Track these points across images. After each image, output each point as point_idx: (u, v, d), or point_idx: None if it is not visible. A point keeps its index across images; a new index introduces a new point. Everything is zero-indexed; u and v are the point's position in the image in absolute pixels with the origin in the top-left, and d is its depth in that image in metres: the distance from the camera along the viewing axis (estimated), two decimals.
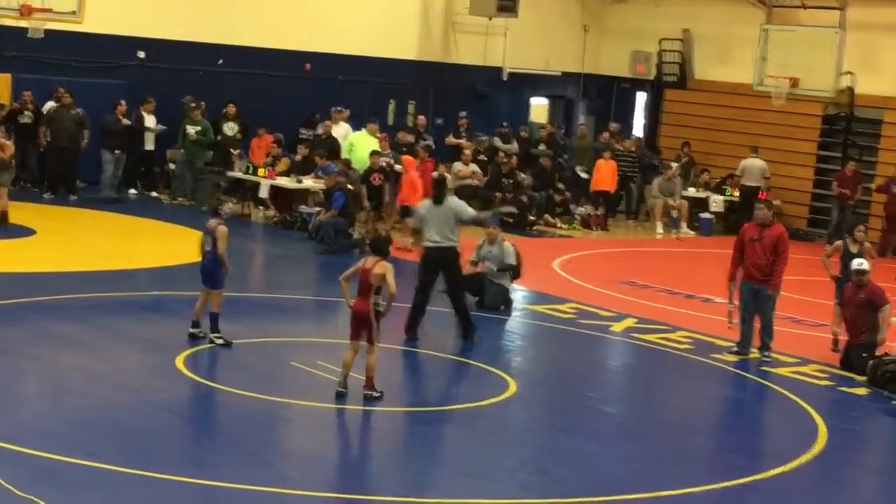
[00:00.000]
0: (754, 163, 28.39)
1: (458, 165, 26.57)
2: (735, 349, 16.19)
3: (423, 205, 16.31)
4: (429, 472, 11.16)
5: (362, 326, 12.64)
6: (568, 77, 33.22)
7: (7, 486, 7.89)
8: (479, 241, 18.66)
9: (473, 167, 26.84)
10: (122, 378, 13.01)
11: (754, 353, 16.12)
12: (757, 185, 28.10)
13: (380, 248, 12.92)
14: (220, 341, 14.09)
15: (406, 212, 21.64)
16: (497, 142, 28.95)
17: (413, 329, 15.58)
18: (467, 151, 27.13)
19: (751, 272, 15.90)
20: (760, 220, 16.04)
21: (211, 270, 14.21)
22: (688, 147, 30.33)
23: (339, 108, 26.43)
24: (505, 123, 29.77)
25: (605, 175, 28.20)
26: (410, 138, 26.62)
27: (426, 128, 28.16)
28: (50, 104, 25.11)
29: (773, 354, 16.09)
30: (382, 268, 12.64)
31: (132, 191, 25.59)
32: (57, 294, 16.31)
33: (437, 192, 16.12)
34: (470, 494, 10.40)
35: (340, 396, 12.61)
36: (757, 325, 16.14)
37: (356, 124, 26.08)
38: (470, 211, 16.11)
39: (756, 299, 15.95)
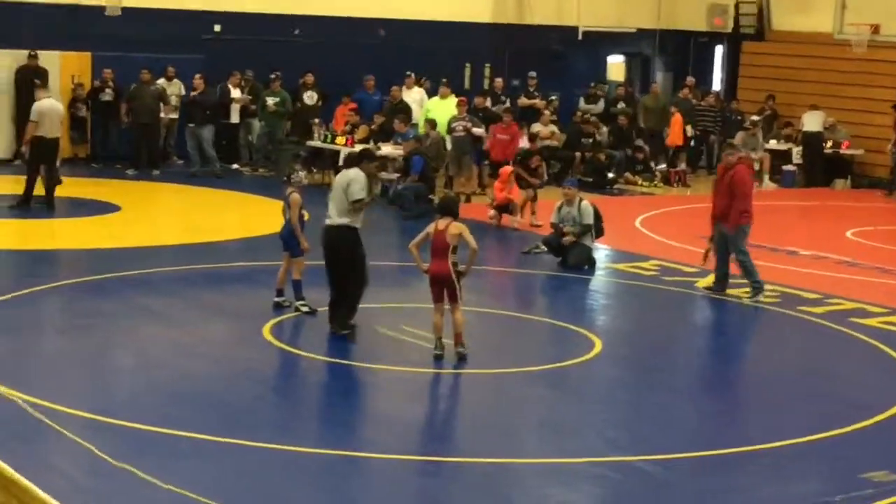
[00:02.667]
0: (814, 113, 28.19)
1: (536, 126, 26.49)
2: (712, 287, 16.52)
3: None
4: (516, 433, 11.19)
5: (444, 288, 12.70)
6: (644, 33, 32.92)
7: (102, 455, 8.03)
8: (557, 203, 18.62)
9: (552, 128, 26.76)
10: (210, 349, 13.17)
11: (740, 291, 16.38)
12: (818, 130, 27.86)
13: (450, 208, 12.97)
14: (305, 309, 14.21)
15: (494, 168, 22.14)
16: (581, 102, 28.83)
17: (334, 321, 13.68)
18: (546, 112, 27.05)
19: (715, 213, 16.45)
20: (724, 164, 16.51)
21: (287, 238, 14.39)
22: (772, 100, 30.01)
23: (408, 73, 26.46)
24: (592, 83, 29.63)
25: (672, 130, 28.06)
26: (487, 102, 26.61)
27: (503, 90, 28.08)
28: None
29: (763, 298, 16.19)
30: (457, 227, 12.67)
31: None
32: (144, 268, 16.52)
33: (349, 160, 14.02)
34: (558, 453, 10.43)
35: (438, 359, 12.69)
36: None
37: (433, 89, 26.10)
38: (356, 194, 13.33)
39: (724, 239, 16.32)
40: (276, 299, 14.48)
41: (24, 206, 20.39)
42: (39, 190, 20.59)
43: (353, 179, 13.31)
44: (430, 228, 12.77)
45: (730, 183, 16.20)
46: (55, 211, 20.45)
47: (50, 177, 20.53)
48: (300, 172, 15.00)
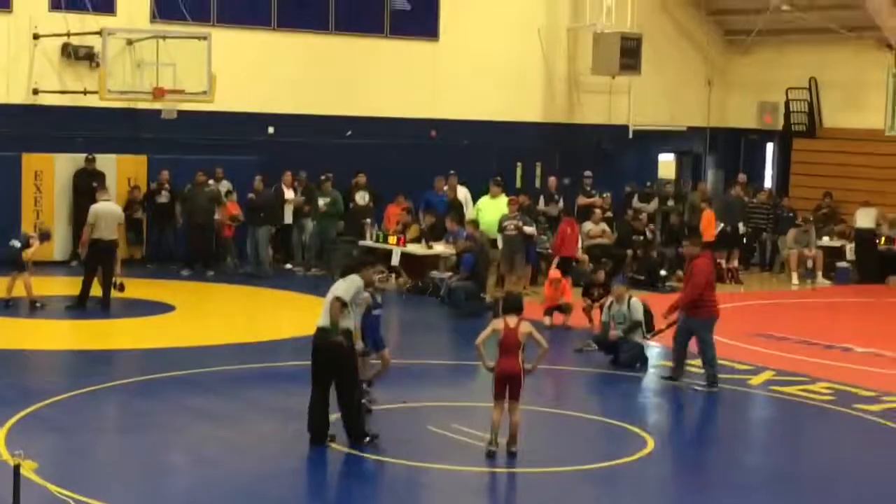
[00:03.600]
0: (867, 209, 28.09)
1: (587, 225, 26.57)
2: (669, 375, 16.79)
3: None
4: None
5: (511, 385, 12.70)
6: (694, 131, 33.07)
7: None
8: (607, 301, 18.62)
9: (603, 226, 26.82)
10: (262, 449, 13.18)
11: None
12: (871, 227, 27.75)
13: (518, 305, 13.02)
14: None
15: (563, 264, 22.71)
16: (635, 200, 28.92)
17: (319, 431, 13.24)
18: (598, 210, 27.13)
19: (681, 303, 16.67)
20: (686, 255, 16.84)
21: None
22: (829, 197, 29.92)
23: (451, 172, 26.66)
24: (648, 182, 29.73)
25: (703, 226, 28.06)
26: (540, 202, 26.87)
27: (556, 189, 28.19)
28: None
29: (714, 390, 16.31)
30: (527, 326, 12.77)
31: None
32: (197, 368, 16.62)
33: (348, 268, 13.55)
34: None
35: (492, 456, 12.65)
36: None
37: (480, 188, 26.29)
38: (338, 291, 12.95)
39: (688, 329, 16.68)
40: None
41: (81, 307, 20.61)
42: (96, 290, 20.82)
43: (347, 283, 12.96)
44: (499, 325, 12.77)
45: (691, 274, 16.43)
46: (110, 311, 20.64)
47: (107, 278, 20.76)
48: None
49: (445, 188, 26.67)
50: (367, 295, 13.66)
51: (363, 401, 13.84)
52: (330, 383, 13.06)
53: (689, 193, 30.89)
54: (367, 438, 13.00)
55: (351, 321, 12.92)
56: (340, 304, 12.77)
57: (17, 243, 20.68)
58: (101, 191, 21.76)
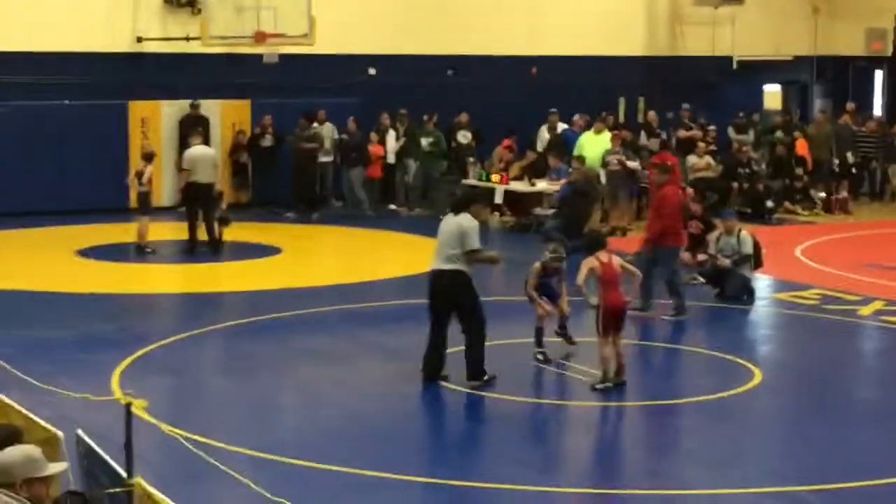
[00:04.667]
0: None
1: (692, 158, 26.28)
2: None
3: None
4: (679, 464, 11.12)
5: (620, 320, 12.74)
6: (800, 61, 32.48)
7: (260, 490, 8.16)
8: (716, 233, 18.46)
9: (708, 159, 26.48)
10: (370, 387, 13.31)
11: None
12: None
13: (602, 242, 13.15)
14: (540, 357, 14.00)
15: None
16: (731, 132, 28.54)
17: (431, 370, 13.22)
18: (702, 144, 26.81)
19: (649, 234, 16.27)
20: (654, 184, 16.07)
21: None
22: None
23: (552, 111, 26.48)
24: (741, 113, 29.30)
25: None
26: (642, 136, 26.58)
27: (658, 123, 27.89)
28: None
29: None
30: (619, 259, 12.93)
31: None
32: (304, 308, 16.79)
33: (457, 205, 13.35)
34: (722, 484, 10.31)
35: (609, 391, 12.67)
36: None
37: (588, 124, 26.10)
38: (474, 244, 12.86)
39: (652, 260, 16.12)
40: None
41: (190, 252, 20.90)
42: (204, 236, 21.14)
43: (468, 228, 12.75)
44: (594, 263, 12.74)
45: (658, 204, 16.04)
46: (220, 255, 20.93)
47: (209, 221, 21.03)
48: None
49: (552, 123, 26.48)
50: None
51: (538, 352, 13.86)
52: (448, 321, 13.05)
53: (802, 124, 30.37)
54: (486, 377, 12.95)
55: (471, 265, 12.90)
56: (479, 255, 12.90)
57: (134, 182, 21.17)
58: (195, 135, 22.01)
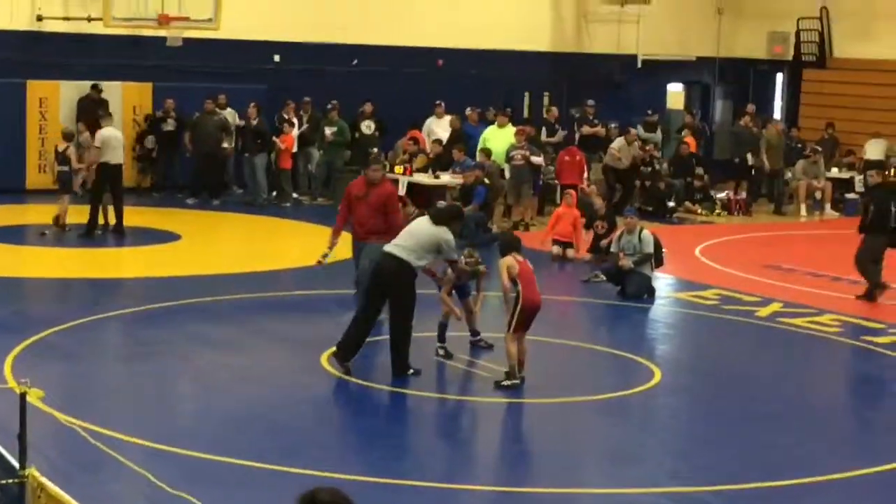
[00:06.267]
0: (877, 141, 27.95)
1: (618, 141, 26.12)
2: None
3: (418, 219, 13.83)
4: (578, 462, 11.12)
5: (534, 318, 12.79)
6: (703, 62, 32.79)
7: (159, 483, 8.02)
8: (617, 232, 18.55)
9: (635, 148, 26.34)
10: (268, 377, 13.17)
11: None
12: (879, 158, 27.58)
13: (517, 244, 13.12)
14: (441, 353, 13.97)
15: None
16: (640, 130, 28.72)
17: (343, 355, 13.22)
18: (633, 130, 26.77)
19: (361, 231, 14.94)
20: (369, 179, 14.94)
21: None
22: (832, 128, 29.73)
23: (438, 103, 26.50)
24: (650, 111, 29.49)
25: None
26: (543, 133, 26.65)
27: (558, 119, 27.95)
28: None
29: None
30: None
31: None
32: (203, 296, 16.59)
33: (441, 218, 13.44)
34: (619, 483, 10.34)
35: (517, 387, 12.68)
36: None
37: (479, 116, 26.21)
38: (453, 255, 13.40)
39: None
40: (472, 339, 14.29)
41: (89, 236, 20.56)
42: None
43: (449, 242, 13.10)
44: (511, 262, 12.69)
45: (384, 201, 14.82)
46: (125, 238, 20.68)
47: (118, 203, 20.79)
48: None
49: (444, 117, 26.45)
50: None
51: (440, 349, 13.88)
52: (380, 307, 13.13)
53: (706, 125, 30.61)
54: (411, 371, 12.98)
55: (424, 263, 13.08)
56: (455, 265, 13.41)
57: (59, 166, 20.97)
58: (107, 118, 21.76)
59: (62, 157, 20.98)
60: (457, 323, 14.02)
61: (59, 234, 20.68)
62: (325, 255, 15.20)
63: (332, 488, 5.42)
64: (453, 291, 14.05)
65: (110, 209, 21.05)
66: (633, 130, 26.75)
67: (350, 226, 15.11)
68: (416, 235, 13.10)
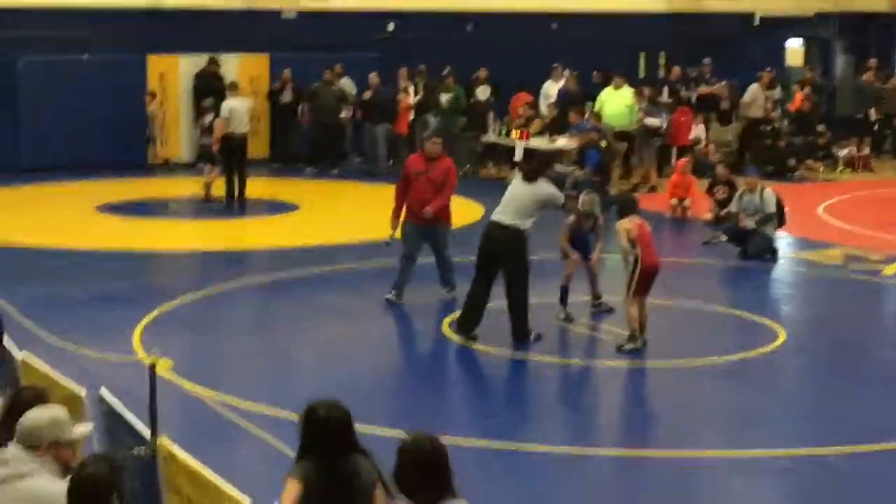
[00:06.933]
0: None
1: (754, 88, 25.89)
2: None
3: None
4: (701, 425, 11.06)
5: (653, 281, 12.74)
6: (822, 17, 32.16)
7: (285, 451, 8.15)
8: (738, 192, 18.33)
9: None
10: (390, 344, 13.30)
11: None
12: None
13: (635, 205, 13.09)
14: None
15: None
16: (757, 88, 28.26)
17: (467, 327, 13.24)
18: (765, 74, 26.49)
19: (415, 207, 14.41)
20: (429, 153, 14.41)
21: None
22: None
23: (554, 66, 26.35)
24: (768, 68, 29.02)
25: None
26: (664, 92, 26.40)
27: (679, 79, 27.65)
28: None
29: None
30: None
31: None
32: (323, 266, 16.74)
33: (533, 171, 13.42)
34: (743, 445, 10.27)
35: (636, 351, 12.64)
36: None
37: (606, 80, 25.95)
38: (560, 198, 13.45)
39: (419, 237, 14.65)
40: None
41: (228, 205, 21.06)
42: (219, 190, 21.16)
43: (550, 195, 13.10)
44: (630, 225, 12.64)
45: (444, 176, 14.35)
46: (246, 210, 21.02)
47: (241, 174, 21.20)
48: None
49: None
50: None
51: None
52: (493, 278, 13.06)
53: (823, 80, 30.07)
54: (532, 336, 12.99)
55: (532, 223, 12.98)
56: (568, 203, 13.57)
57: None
58: (233, 89, 22.21)
59: (207, 129, 21.46)
60: (577, 287, 14.00)
61: (209, 205, 21.18)
62: (391, 237, 14.83)
63: (330, 401, 6.30)
64: (578, 254, 14.01)
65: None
66: (765, 76, 26.32)
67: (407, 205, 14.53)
68: (516, 199, 13.06)
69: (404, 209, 14.65)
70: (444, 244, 14.67)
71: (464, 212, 15.42)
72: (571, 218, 14.00)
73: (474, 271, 13.22)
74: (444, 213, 14.49)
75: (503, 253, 12.95)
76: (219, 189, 21.46)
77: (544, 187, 13.11)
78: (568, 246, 13.96)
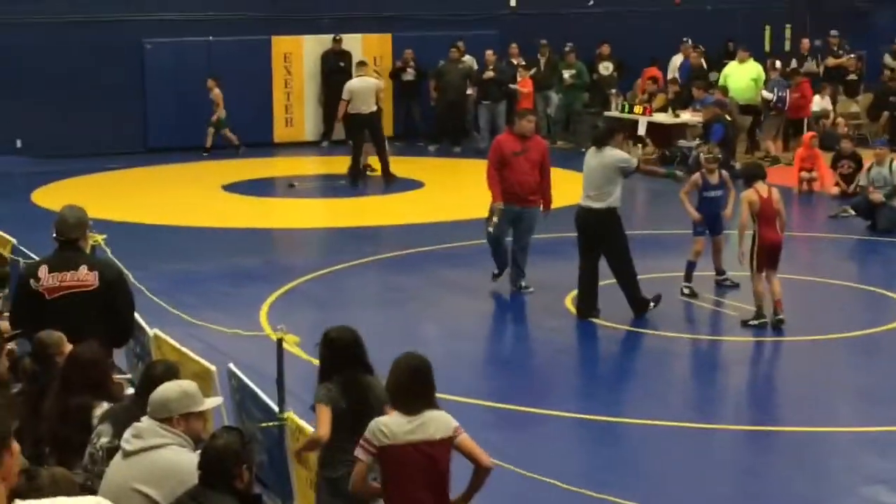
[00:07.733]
0: None
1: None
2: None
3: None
4: (830, 401, 10.95)
5: (776, 256, 12.54)
6: None
7: None
8: (867, 164, 18.02)
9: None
10: (514, 320, 13.32)
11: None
12: None
13: (761, 173, 12.92)
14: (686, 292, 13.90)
15: None
16: (888, 59, 27.72)
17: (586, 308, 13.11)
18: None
19: (519, 191, 13.76)
20: (523, 132, 13.73)
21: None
22: None
23: (685, 40, 26.06)
24: None
25: None
26: (792, 64, 26.01)
27: (809, 51, 27.17)
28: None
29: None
30: (777, 192, 12.73)
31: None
32: (447, 242, 16.80)
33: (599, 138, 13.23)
34: (871, 422, 10.14)
35: (764, 326, 12.50)
36: None
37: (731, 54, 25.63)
38: (632, 163, 13.19)
39: (517, 222, 14.01)
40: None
41: (353, 184, 21.17)
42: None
43: (619, 160, 12.86)
44: (753, 197, 12.51)
45: (543, 155, 13.86)
46: (391, 185, 21.23)
47: (380, 149, 21.36)
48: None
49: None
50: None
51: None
52: (598, 257, 13.03)
53: None
54: (651, 304, 12.97)
55: (618, 190, 12.88)
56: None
57: None
58: (360, 68, 22.30)
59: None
60: (703, 263, 13.89)
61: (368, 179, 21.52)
62: (493, 223, 14.23)
63: (342, 326, 7.30)
64: (707, 233, 13.88)
65: (372, 158, 21.58)
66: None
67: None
68: (589, 175, 12.95)
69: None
70: (533, 229, 14.23)
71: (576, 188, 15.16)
72: (695, 175, 13.92)
73: (578, 255, 13.15)
74: (545, 197, 14.05)
75: (598, 235, 12.90)
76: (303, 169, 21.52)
77: (611, 154, 12.91)
78: (687, 201, 13.85)
